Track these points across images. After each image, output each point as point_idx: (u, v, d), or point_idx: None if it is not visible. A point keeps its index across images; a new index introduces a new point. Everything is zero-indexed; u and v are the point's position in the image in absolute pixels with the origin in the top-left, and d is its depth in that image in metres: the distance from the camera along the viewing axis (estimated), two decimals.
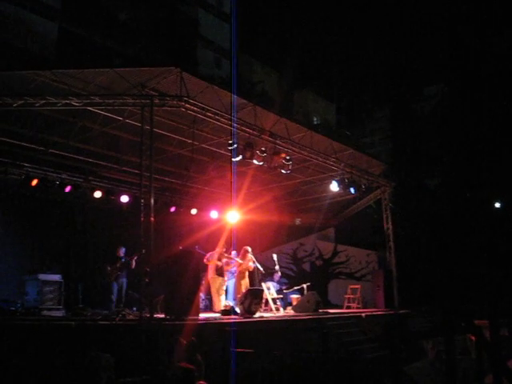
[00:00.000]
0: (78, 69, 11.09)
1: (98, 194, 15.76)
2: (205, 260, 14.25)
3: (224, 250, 14.65)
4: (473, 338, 7.59)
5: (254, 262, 14.68)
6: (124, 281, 14.09)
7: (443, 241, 23.48)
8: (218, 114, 12.05)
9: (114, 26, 27.07)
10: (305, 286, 15.89)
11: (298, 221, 21.96)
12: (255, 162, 13.28)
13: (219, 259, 14.35)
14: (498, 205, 26.49)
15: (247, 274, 14.83)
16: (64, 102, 10.95)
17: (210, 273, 14.27)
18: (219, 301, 13.93)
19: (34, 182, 14.36)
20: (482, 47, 33.14)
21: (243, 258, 14.61)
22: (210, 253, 14.46)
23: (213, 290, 14.22)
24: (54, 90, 11.07)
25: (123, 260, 14.06)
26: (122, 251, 14.26)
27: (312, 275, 20.97)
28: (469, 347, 12.07)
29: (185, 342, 8.22)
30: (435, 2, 37.97)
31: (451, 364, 5.25)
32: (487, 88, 31.02)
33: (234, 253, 14.96)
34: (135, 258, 13.65)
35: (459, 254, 22.38)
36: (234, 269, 14.84)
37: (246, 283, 14.63)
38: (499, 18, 32.41)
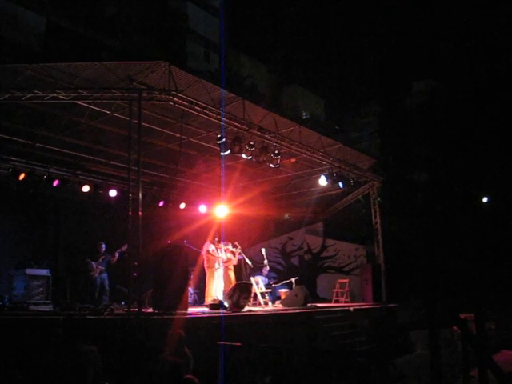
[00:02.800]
0: (65, 62, 11.01)
1: (86, 189, 15.72)
2: (210, 251, 14.33)
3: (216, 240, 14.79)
4: (459, 330, 7.65)
5: (232, 254, 14.84)
6: (105, 275, 14.24)
7: (431, 235, 23.64)
8: (206, 108, 12.02)
9: (103, 20, 26.91)
10: (293, 280, 15.96)
11: (287, 215, 22.00)
12: (244, 156, 13.29)
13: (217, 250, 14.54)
14: (485, 199, 26.69)
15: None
16: (51, 95, 10.88)
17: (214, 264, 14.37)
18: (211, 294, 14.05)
19: (22, 176, 14.27)
20: (472, 43, 33.30)
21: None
22: (211, 244, 14.54)
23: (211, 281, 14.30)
24: (42, 84, 10.99)
25: (106, 256, 14.25)
26: (102, 247, 14.40)
27: (301, 269, 21.05)
28: (455, 340, 12.18)
29: (173, 336, 8.23)
30: None
31: (436, 357, 5.29)
32: (476, 83, 31.17)
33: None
34: (116, 254, 13.88)
35: (446, 248, 22.54)
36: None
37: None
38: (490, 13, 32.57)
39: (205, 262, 14.42)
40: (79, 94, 11.07)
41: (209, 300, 13.69)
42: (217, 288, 14.25)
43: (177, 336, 8.22)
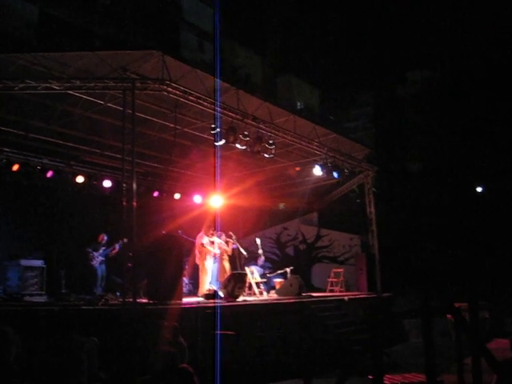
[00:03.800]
0: (58, 52, 10.94)
1: (80, 179, 15.68)
2: (204, 244, 14.22)
3: (211, 232, 14.67)
4: (452, 319, 7.68)
5: (226, 244, 14.83)
6: (104, 267, 14.32)
7: (425, 224, 23.70)
8: (200, 98, 11.98)
9: (96, 9, 26.71)
10: (288, 269, 15.99)
11: (281, 205, 22.01)
12: (238, 146, 13.25)
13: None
14: (479, 189, 26.78)
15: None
16: (44, 85, 10.81)
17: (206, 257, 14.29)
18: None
19: (15, 167, 14.22)
20: (466, 32, 33.27)
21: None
22: (205, 237, 14.43)
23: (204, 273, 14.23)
24: (34, 74, 10.91)
25: (106, 248, 14.30)
26: (104, 238, 14.44)
27: (295, 259, 21.07)
28: (449, 329, 12.27)
29: (168, 326, 8.24)
30: None
31: (429, 345, 5.30)
32: (470, 72, 31.18)
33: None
34: (117, 246, 13.95)
35: (441, 237, 22.61)
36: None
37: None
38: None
39: (197, 254, 14.31)
40: (72, 84, 11.00)
41: (203, 292, 13.68)
42: (211, 280, 14.21)
43: (171, 326, 8.23)
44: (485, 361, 5.49)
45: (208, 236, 14.42)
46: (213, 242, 14.48)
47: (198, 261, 14.29)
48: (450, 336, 11.61)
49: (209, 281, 14.09)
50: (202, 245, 14.15)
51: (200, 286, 14.13)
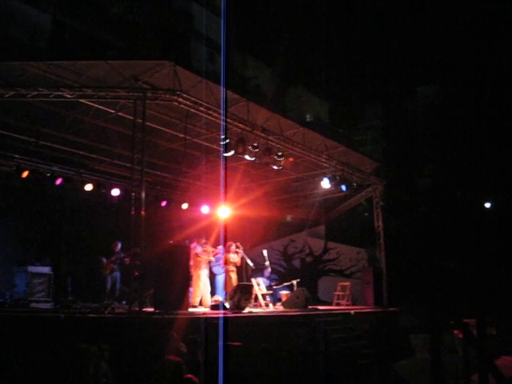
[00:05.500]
0: (70, 60, 11.03)
1: (88, 187, 15.75)
2: (199, 253, 14.15)
3: (203, 241, 14.58)
4: (460, 335, 7.63)
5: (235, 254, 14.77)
6: (118, 274, 14.31)
7: (433, 239, 23.60)
8: (210, 109, 12.02)
9: (108, 19, 26.95)
10: (294, 282, 15.93)
11: (289, 217, 21.99)
12: (247, 157, 13.27)
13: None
14: (488, 205, 26.65)
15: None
16: (56, 93, 10.90)
17: (200, 266, 14.21)
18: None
19: (25, 174, 14.31)
20: (477, 47, 33.28)
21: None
22: (198, 246, 14.37)
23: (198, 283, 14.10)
24: (47, 82, 11.01)
25: (119, 255, 14.28)
26: (118, 246, 14.45)
27: (302, 272, 21.01)
28: (456, 346, 12.17)
29: (174, 335, 8.24)
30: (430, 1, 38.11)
31: (436, 361, 5.28)
32: (481, 88, 31.14)
33: (220, 247, 15.01)
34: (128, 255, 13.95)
35: (448, 252, 22.50)
36: (220, 262, 14.82)
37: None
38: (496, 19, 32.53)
39: (191, 264, 14.16)
40: (84, 93, 11.08)
41: (195, 301, 13.57)
42: (204, 290, 14.04)
43: (177, 335, 8.23)
44: (492, 377, 5.45)
45: (201, 245, 14.37)
46: (206, 251, 14.43)
47: (192, 271, 14.07)
48: (457, 352, 11.52)
49: (202, 291, 13.94)
50: (197, 255, 14.07)
51: (192, 296, 13.84)
